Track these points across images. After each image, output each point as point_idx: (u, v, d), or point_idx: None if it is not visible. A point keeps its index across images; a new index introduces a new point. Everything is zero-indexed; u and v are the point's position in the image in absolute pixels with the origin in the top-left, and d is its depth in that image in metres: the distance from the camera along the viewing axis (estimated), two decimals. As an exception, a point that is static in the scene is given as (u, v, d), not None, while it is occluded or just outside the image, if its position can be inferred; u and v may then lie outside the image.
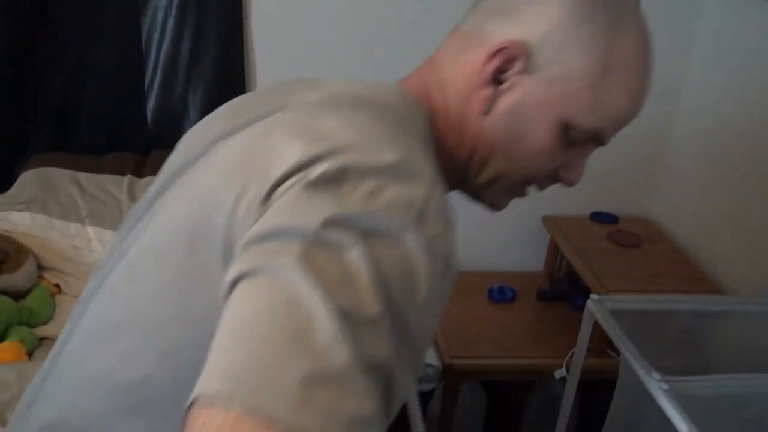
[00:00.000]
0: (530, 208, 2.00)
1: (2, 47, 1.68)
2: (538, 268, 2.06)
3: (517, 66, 0.57)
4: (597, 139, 0.61)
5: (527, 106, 0.58)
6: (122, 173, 1.73)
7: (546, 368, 1.62)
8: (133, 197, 1.65)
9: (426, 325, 0.44)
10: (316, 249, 0.40)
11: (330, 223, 0.41)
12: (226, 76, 1.78)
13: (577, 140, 0.60)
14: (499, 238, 2.06)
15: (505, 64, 0.58)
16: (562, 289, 1.90)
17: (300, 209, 0.42)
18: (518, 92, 0.58)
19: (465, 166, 0.64)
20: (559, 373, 1.58)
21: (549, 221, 1.96)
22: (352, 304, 0.38)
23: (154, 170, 1.73)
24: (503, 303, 1.89)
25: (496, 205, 0.69)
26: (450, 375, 1.64)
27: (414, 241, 0.42)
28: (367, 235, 0.41)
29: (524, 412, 1.94)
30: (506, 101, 0.58)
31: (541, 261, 2.05)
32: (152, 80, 1.78)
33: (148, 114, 1.81)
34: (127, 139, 1.82)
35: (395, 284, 0.41)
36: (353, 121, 0.51)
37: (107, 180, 1.70)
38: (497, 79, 0.59)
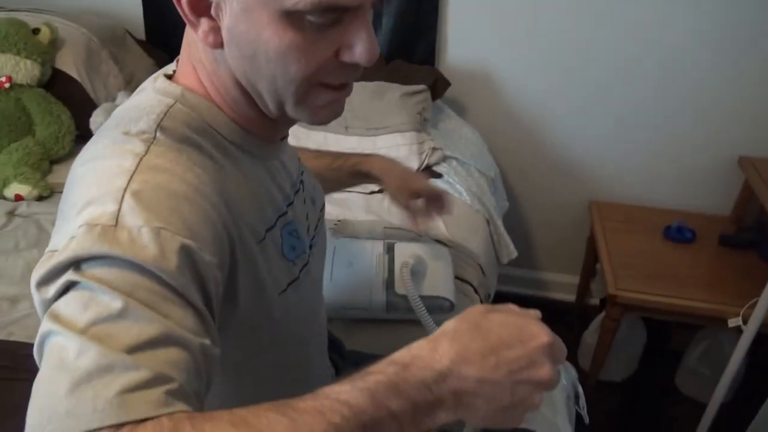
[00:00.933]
0: (726, 147, 1.85)
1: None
2: (724, 212, 1.93)
3: None
4: (337, 5, 0.53)
5: (239, 20, 0.54)
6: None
7: (718, 315, 1.56)
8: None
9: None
10: (56, 302, 0.46)
11: (47, 280, 0.47)
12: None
13: (319, 21, 0.54)
14: (685, 176, 1.95)
15: None
16: (750, 236, 1.77)
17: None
18: (226, 14, 0.55)
19: (255, 104, 0.62)
20: (733, 322, 1.51)
21: (746, 162, 1.81)
22: (97, 314, 0.44)
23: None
24: (680, 243, 1.81)
25: (317, 120, 0.62)
26: (613, 306, 1.64)
27: (108, 247, 0.46)
28: (78, 266, 0.46)
29: (684, 356, 1.88)
30: (225, 28, 0.56)
31: (729, 205, 1.92)
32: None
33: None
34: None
35: (121, 282, 0.45)
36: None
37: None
38: (208, 15, 0.56)
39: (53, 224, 1.59)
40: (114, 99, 1.80)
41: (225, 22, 0.55)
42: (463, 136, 1.87)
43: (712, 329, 1.81)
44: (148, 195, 0.49)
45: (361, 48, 0.56)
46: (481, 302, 1.47)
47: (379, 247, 1.33)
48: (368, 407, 0.43)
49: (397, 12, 1.87)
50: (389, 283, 1.26)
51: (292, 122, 0.66)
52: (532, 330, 0.49)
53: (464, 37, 1.91)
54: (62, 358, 0.42)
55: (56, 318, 0.44)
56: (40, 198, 1.57)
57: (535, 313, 0.53)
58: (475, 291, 1.44)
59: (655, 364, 1.95)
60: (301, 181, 0.75)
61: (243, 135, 0.62)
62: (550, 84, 1.91)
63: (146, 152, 0.53)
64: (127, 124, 0.56)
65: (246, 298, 0.59)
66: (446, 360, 0.46)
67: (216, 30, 0.56)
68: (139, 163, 0.51)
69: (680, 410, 1.83)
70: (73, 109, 1.74)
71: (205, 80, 0.61)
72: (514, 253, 1.66)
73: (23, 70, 1.66)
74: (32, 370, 0.46)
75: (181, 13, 0.56)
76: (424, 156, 1.67)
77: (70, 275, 0.46)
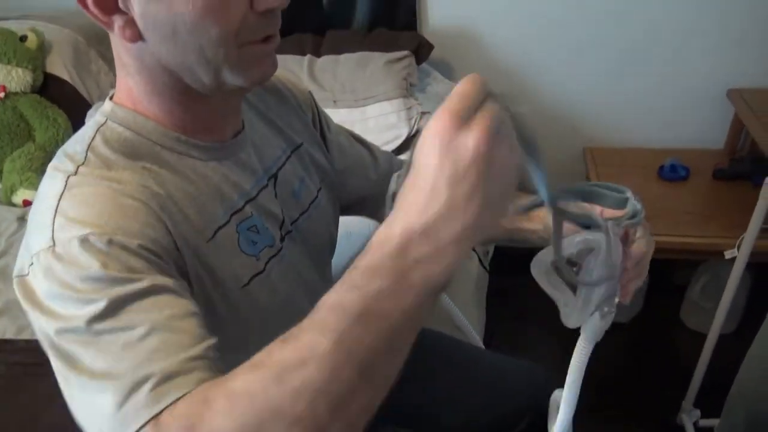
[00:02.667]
0: (714, 81, 1.86)
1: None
2: (717, 146, 1.94)
3: None
4: None
5: (148, 3, 0.55)
6: (302, 53, 1.87)
7: (716, 248, 1.59)
8: (312, 75, 1.79)
9: None
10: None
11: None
12: None
13: None
14: (674, 113, 1.95)
15: None
16: (743, 168, 1.79)
17: None
18: (134, 1, 0.56)
19: (190, 100, 0.63)
20: (729, 254, 1.54)
21: (734, 94, 1.81)
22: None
23: (330, 50, 1.86)
24: (675, 181, 1.83)
25: (254, 79, 0.63)
26: (612, 250, 1.67)
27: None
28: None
29: (687, 291, 1.92)
30: (138, 16, 0.57)
31: (721, 138, 1.93)
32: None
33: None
34: (305, 21, 1.94)
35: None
36: None
37: (289, 60, 1.85)
38: (118, 10, 0.57)
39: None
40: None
41: (136, 11, 0.56)
42: (452, 96, 1.88)
43: (712, 262, 1.84)
44: (73, 208, 0.55)
45: None
46: (480, 260, 1.52)
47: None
48: (355, 298, 0.41)
49: (374, -21, 1.88)
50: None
51: (233, 102, 0.68)
52: (459, 149, 0.40)
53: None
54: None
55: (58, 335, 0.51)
56: (47, 201, 1.63)
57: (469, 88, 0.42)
58: (473, 249, 1.48)
59: (659, 301, 1.99)
60: (274, 176, 0.75)
61: (177, 139, 0.64)
62: (537, 35, 1.91)
63: (75, 172, 0.57)
64: (65, 152, 0.61)
65: (199, 289, 0.61)
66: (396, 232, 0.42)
67: (130, 22, 0.57)
68: (66, 182, 0.56)
69: (685, 343, 1.88)
70: (68, 110, 1.78)
71: (135, 89, 0.62)
72: (512, 208, 1.69)
73: (16, 78, 1.71)
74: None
75: (92, 17, 0.57)
76: (413, 122, 1.70)
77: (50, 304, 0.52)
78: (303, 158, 0.81)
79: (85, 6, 0.56)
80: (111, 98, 0.65)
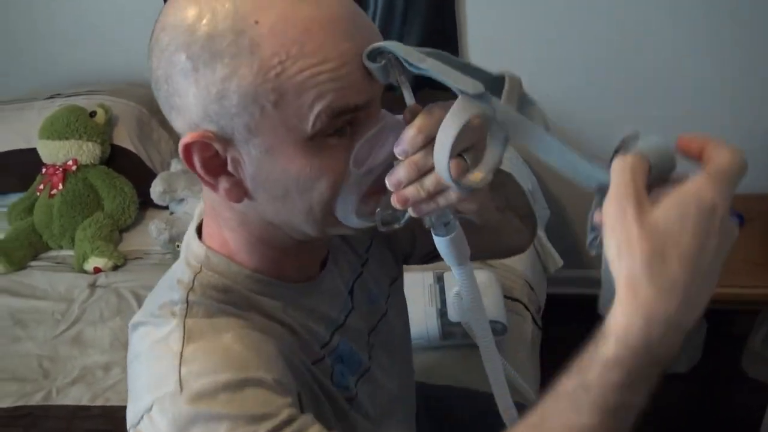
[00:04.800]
0: (766, 123, 1.84)
1: None
2: (773, 190, 1.91)
3: (215, 146, 0.53)
4: (347, 107, 0.52)
5: (262, 164, 0.54)
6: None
7: (776, 299, 1.56)
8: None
9: None
10: None
11: None
12: (438, 35, 1.87)
13: (337, 129, 0.53)
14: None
15: (202, 154, 0.54)
16: (800, 214, 1.76)
17: None
18: (245, 164, 0.54)
19: (285, 243, 0.62)
20: (790, 305, 1.51)
21: (787, 140, 1.80)
22: None
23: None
24: (728, 229, 1.80)
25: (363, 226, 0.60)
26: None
27: None
28: None
29: (748, 340, 1.88)
30: (247, 178, 0.55)
31: (776, 183, 1.90)
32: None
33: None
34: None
35: None
36: None
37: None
38: (226, 173, 0.55)
39: (131, 291, 1.72)
40: (168, 166, 1.95)
41: (247, 173, 0.54)
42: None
43: (773, 311, 1.80)
44: (196, 357, 0.54)
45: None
46: (533, 318, 1.52)
47: (429, 278, 1.42)
48: (607, 393, 0.43)
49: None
50: (442, 312, 1.34)
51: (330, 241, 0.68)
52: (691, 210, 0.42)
53: (487, 55, 1.96)
54: None
55: None
56: (115, 267, 1.72)
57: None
58: (526, 308, 1.50)
59: (718, 351, 1.95)
60: (351, 291, 0.73)
61: (269, 283, 0.63)
62: (577, 85, 1.94)
63: (182, 323, 0.57)
64: (161, 302, 0.60)
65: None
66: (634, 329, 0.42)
67: (237, 184, 0.56)
68: (180, 331, 0.56)
69: (747, 395, 1.83)
70: (133, 179, 1.89)
71: (232, 241, 0.62)
72: (560, 263, 1.70)
73: (86, 152, 1.83)
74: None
75: (199, 179, 0.56)
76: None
77: None
78: (375, 255, 0.79)
79: (192, 167, 0.55)
80: (198, 233, 0.64)
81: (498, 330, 1.32)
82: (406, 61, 0.51)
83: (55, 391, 1.37)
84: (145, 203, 1.90)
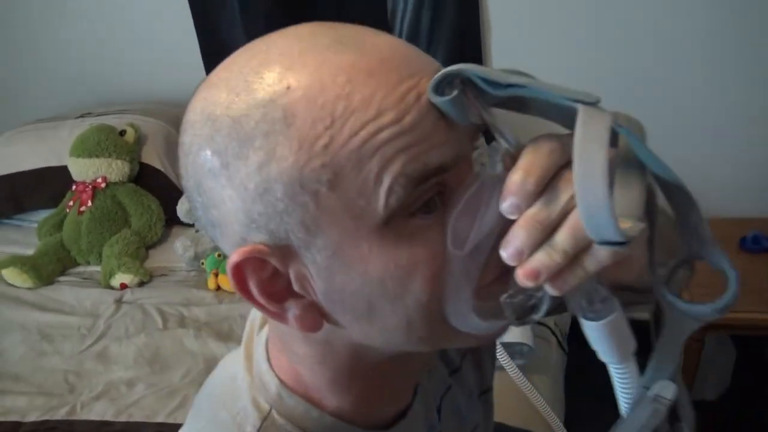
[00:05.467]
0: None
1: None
2: (803, 214, 1.88)
3: (273, 261, 0.40)
4: (428, 169, 0.38)
5: (332, 274, 0.40)
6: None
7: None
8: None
9: None
10: None
11: None
12: (463, 38, 1.88)
13: (422, 201, 0.38)
14: (753, 181, 1.91)
15: (258, 275, 0.41)
16: (833, 239, 1.72)
17: None
18: (313, 279, 0.41)
19: (389, 361, 0.48)
20: (823, 333, 1.47)
21: (818, 164, 1.77)
22: None
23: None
24: (759, 253, 1.77)
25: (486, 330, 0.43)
26: (694, 327, 1.62)
27: None
28: None
29: (781, 368, 1.84)
30: (319, 295, 0.42)
31: (806, 207, 1.87)
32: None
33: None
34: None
35: None
36: None
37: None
38: (292, 295, 0.42)
39: (155, 308, 1.75)
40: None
41: (317, 289, 0.41)
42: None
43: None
44: None
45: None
46: (558, 341, 1.51)
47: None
48: None
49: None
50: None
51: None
52: None
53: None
54: None
55: None
56: (141, 283, 1.74)
57: None
58: (551, 331, 1.48)
59: (749, 378, 1.90)
60: (439, 409, 0.61)
61: (348, 429, 0.51)
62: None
63: None
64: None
65: None
66: None
67: (310, 307, 0.42)
68: None
69: (780, 424, 1.78)
70: (161, 197, 1.92)
71: (311, 382, 0.49)
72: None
73: (115, 170, 1.87)
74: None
75: (260, 310, 0.42)
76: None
77: None
78: (469, 361, 0.67)
79: (248, 296, 0.41)
80: (268, 360, 0.51)
81: (524, 352, 1.32)
82: (486, 81, 0.37)
83: (80, 405, 1.39)
84: (172, 221, 1.92)
